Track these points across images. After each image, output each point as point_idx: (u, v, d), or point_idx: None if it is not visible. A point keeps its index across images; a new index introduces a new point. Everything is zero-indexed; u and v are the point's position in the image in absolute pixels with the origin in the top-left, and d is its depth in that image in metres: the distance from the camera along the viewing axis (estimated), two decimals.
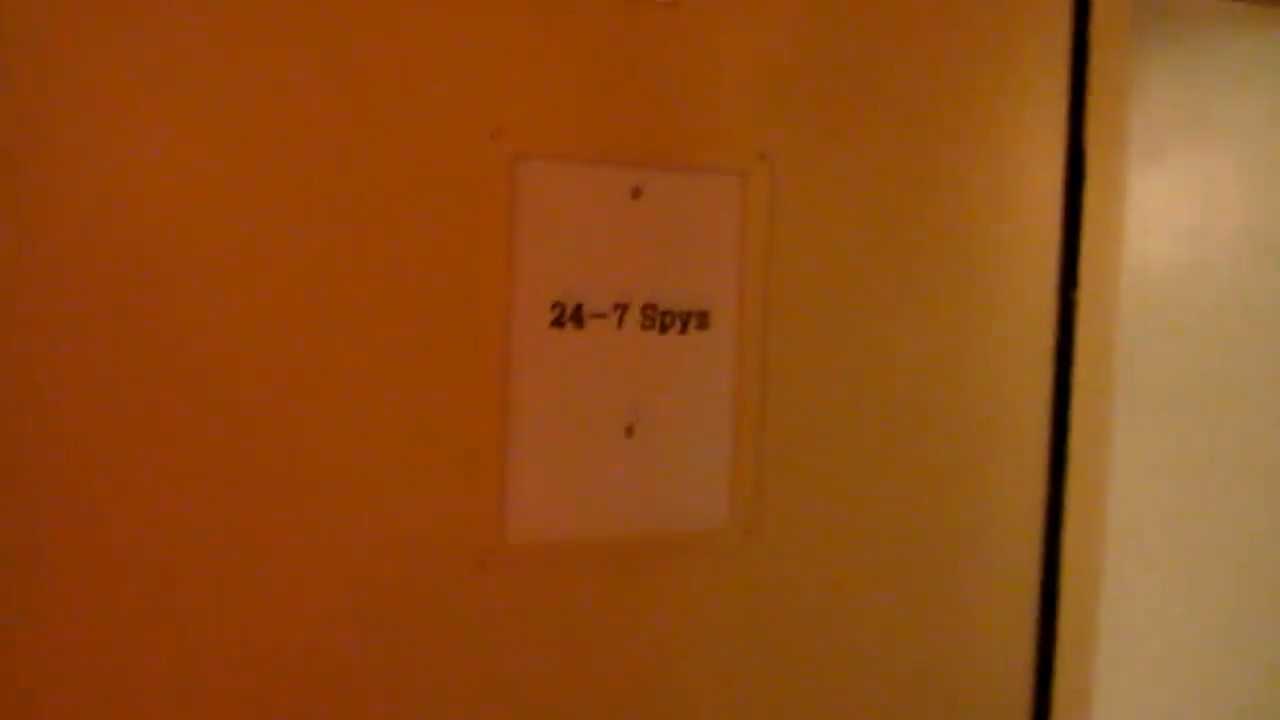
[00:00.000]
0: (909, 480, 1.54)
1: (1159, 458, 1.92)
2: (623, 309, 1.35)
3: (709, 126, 1.38)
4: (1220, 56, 1.91)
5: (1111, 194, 1.64)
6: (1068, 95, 1.60)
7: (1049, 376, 1.61)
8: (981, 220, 1.55)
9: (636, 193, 1.34)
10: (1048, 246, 1.60)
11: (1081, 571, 1.65)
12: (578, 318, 1.32)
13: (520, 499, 1.31)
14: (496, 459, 1.29)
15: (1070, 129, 1.60)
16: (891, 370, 1.52)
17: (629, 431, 1.36)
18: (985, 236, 1.55)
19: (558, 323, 1.32)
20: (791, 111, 1.43)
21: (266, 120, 1.19)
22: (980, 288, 1.56)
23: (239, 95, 1.18)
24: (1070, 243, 1.61)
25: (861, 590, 1.53)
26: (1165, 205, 1.90)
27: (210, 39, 1.16)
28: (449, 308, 1.27)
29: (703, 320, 1.39)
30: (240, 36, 1.18)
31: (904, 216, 1.50)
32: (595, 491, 1.35)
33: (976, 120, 1.54)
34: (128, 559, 1.17)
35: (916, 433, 1.54)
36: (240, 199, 1.19)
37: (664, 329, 1.37)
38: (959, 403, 1.56)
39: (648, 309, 1.36)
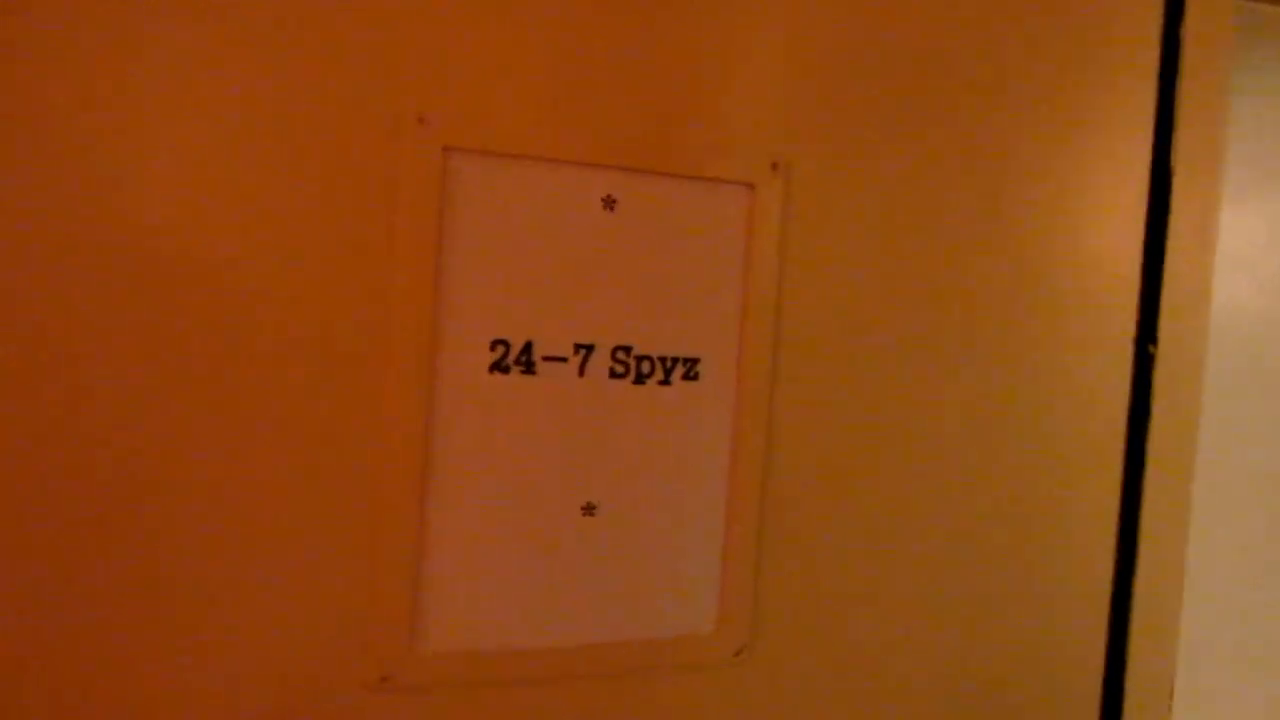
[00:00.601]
0: (951, 581, 1.24)
1: (1241, 538, 1.65)
2: (587, 351, 1.05)
3: (709, 124, 1.09)
4: None
5: (1201, 231, 1.35)
6: (1154, 111, 1.31)
7: (1120, 444, 1.31)
8: (1047, 258, 1.26)
9: (610, 203, 1.05)
10: (1125, 291, 1.31)
11: (1152, 689, 1.35)
12: (527, 361, 1.03)
13: (438, 594, 1.01)
14: (409, 541, 0.99)
15: (1156, 155, 1.31)
16: (933, 438, 1.22)
17: (588, 510, 1.06)
18: (1050, 276, 1.26)
19: (500, 366, 1.02)
20: (816, 112, 1.14)
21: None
22: (1042, 337, 1.26)
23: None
24: (1150, 287, 1.32)
25: None
26: (1251, 247, 1.64)
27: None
28: (352, 342, 0.97)
29: (691, 369, 1.09)
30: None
31: (951, 250, 1.21)
32: (540, 586, 1.05)
33: (1045, 140, 1.25)
34: None
35: (963, 521, 1.24)
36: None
37: (640, 378, 1.07)
38: (1016, 479, 1.26)
39: (620, 352, 1.06)
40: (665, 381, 1.08)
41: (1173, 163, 1.31)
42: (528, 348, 1.02)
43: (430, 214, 0.98)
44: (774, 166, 1.11)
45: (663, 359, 1.08)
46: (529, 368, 1.03)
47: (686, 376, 1.09)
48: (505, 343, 1.02)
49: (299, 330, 0.95)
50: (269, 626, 0.95)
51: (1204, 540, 1.45)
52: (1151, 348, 1.31)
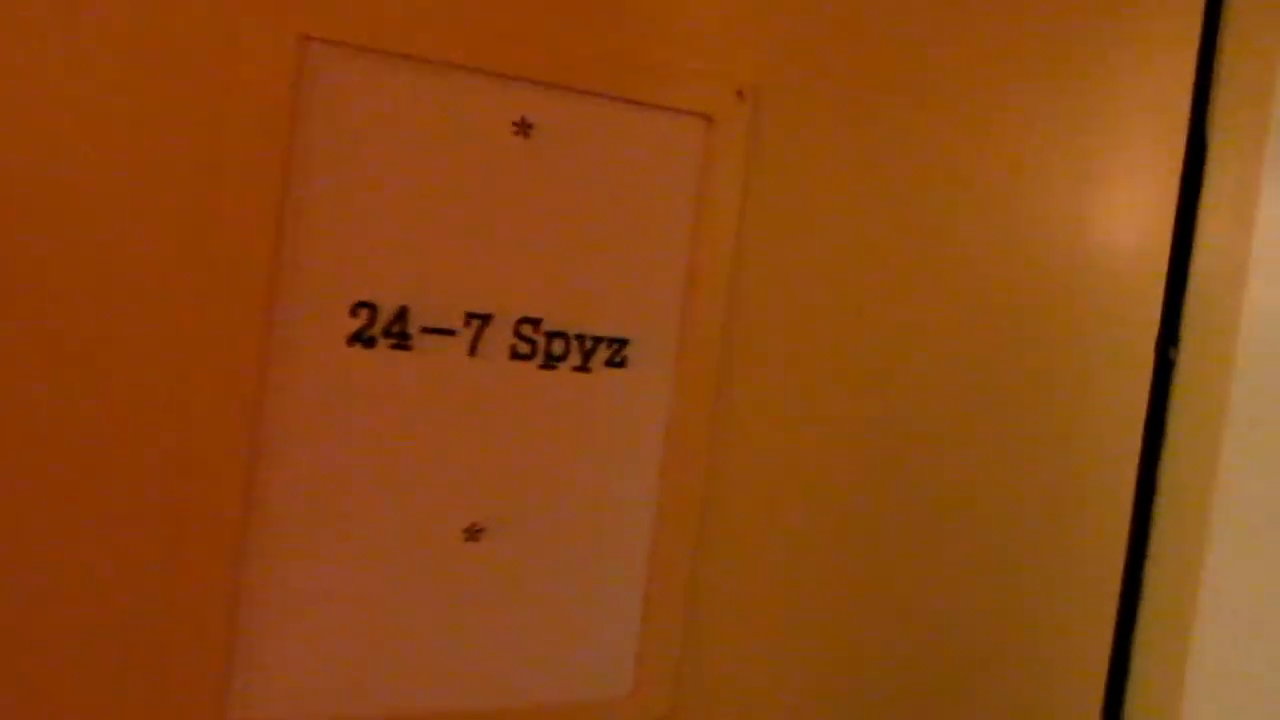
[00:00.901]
0: (939, 635, 1.04)
1: (1271, 567, 1.48)
2: (482, 323, 0.81)
3: (659, 34, 0.86)
4: None
5: (1237, 214, 1.15)
6: (1194, 66, 1.11)
7: (1133, 462, 1.13)
8: (1060, 238, 1.07)
9: (524, 127, 0.81)
10: (1147, 285, 1.12)
11: None
12: (400, 332, 0.78)
13: (263, 648, 0.76)
14: (223, 572, 0.74)
15: (1193, 124, 1.12)
16: (920, 452, 1.01)
17: (473, 534, 0.82)
18: (1061, 260, 1.07)
19: (362, 338, 0.77)
20: (801, 30, 0.92)
21: None
22: (1049, 333, 1.07)
23: None
24: (1174, 279, 1.13)
25: None
26: None
27: None
28: (157, 297, 0.71)
29: (617, 352, 0.86)
30: None
31: (951, 217, 1.01)
32: (404, 634, 0.81)
33: (1065, 93, 1.05)
34: None
35: (952, 558, 1.03)
36: None
37: (551, 362, 0.84)
38: (1012, 505, 1.06)
39: (525, 326, 0.83)
40: (583, 367, 0.85)
41: (1209, 129, 1.12)
42: (402, 314, 0.78)
43: (277, 127, 0.73)
44: (740, 94, 0.89)
45: (581, 338, 0.85)
46: (402, 341, 0.79)
47: (611, 362, 0.86)
48: (372, 306, 0.77)
49: (82, 280, 0.69)
50: (28, 686, 0.70)
51: (1227, 569, 1.27)
52: (1172, 351, 1.14)
